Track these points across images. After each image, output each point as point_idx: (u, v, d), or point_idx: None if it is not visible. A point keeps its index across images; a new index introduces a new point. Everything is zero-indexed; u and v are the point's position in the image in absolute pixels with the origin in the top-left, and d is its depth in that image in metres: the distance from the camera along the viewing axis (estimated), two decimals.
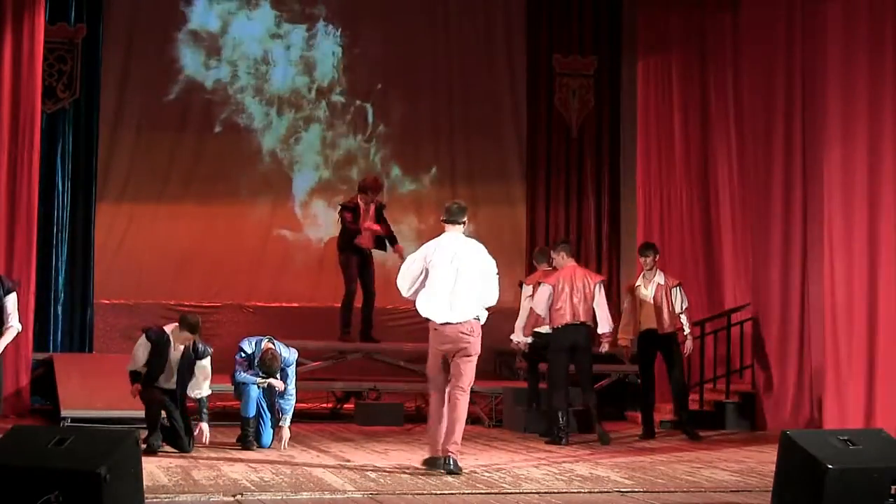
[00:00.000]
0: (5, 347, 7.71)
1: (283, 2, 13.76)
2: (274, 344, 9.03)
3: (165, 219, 13.19)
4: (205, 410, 8.63)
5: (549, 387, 9.89)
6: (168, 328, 8.60)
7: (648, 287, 10.33)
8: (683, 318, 10.35)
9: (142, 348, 8.57)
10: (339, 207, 11.90)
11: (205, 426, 8.59)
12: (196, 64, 13.46)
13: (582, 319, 9.69)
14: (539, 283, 10.03)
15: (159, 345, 8.52)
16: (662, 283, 10.32)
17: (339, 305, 11.76)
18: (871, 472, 6.00)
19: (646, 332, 10.31)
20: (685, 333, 10.40)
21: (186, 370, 8.56)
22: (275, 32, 13.74)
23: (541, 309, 9.83)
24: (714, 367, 11.40)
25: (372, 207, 11.66)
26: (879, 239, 9.46)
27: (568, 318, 9.64)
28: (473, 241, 8.02)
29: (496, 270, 7.93)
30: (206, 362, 8.62)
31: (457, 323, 7.79)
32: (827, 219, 9.95)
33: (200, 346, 8.57)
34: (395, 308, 12.84)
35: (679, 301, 10.32)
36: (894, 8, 9.46)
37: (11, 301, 7.71)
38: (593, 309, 9.77)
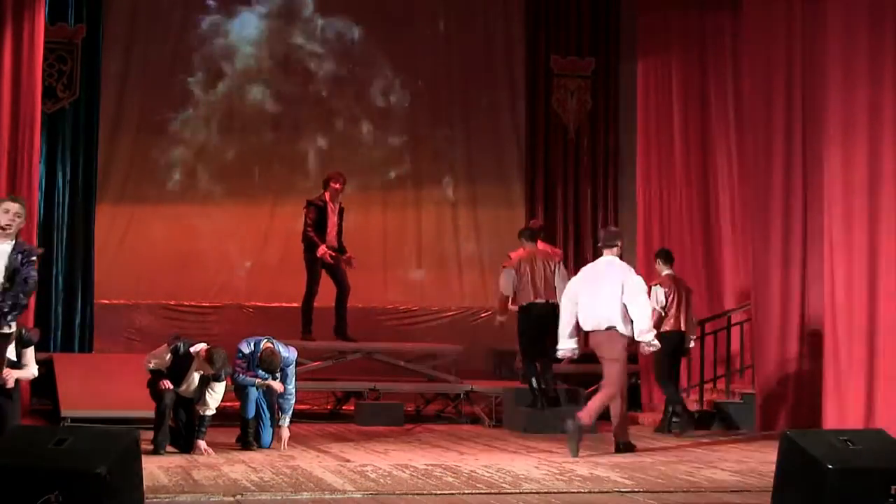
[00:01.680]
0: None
1: (283, 3, 13.79)
2: (273, 343, 9.03)
3: (165, 219, 13.20)
4: (203, 428, 8.64)
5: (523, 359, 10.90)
6: (195, 348, 8.62)
7: None
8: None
9: (165, 355, 8.63)
10: (306, 203, 11.74)
11: (202, 444, 8.60)
12: (196, 64, 13.46)
13: (545, 299, 10.51)
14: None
15: (179, 360, 8.59)
16: None
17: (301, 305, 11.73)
18: (871, 472, 5.99)
19: None
20: None
21: (202, 385, 8.63)
22: (274, 32, 13.74)
23: (504, 288, 10.82)
24: (714, 367, 11.40)
25: (336, 211, 11.63)
26: (879, 239, 9.46)
27: (532, 297, 10.53)
28: (618, 263, 9.11)
29: (639, 287, 8.99)
30: (220, 385, 8.65)
31: (591, 332, 9.18)
32: (827, 219, 9.94)
33: (221, 370, 8.61)
34: (394, 308, 12.85)
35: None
36: (894, 8, 9.45)
37: (30, 354, 7.92)
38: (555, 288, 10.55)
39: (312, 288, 11.60)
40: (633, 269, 9.21)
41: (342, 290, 11.62)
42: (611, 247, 9.14)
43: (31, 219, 10.72)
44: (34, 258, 7.25)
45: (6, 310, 7.02)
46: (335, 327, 11.64)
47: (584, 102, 14.33)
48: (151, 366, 8.64)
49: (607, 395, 8.93)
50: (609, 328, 8.91)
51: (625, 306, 8.85)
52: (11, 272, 7.04)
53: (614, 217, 14.26)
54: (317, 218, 11.52)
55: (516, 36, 14.35)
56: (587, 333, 9.80)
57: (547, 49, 14.26)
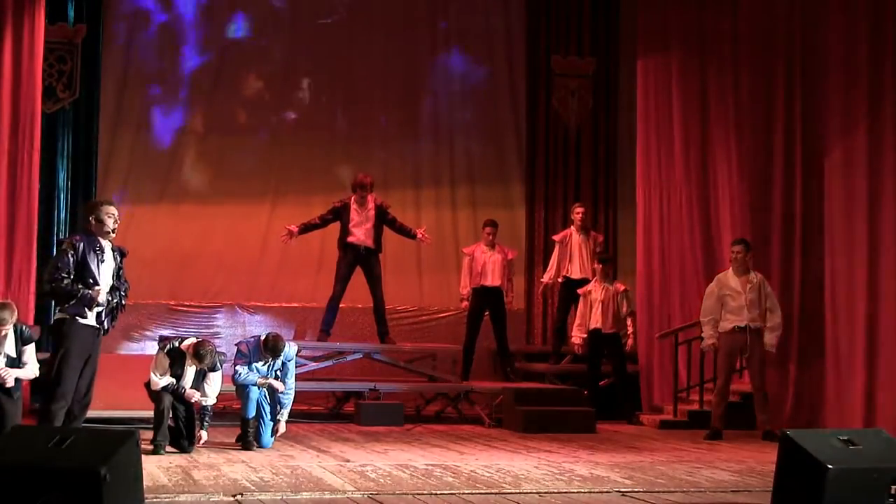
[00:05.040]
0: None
1: (283, 3, 13.79)
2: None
3: (165, 219, 13.18)
4: (207, 419, 8.76)
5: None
6: (184, 345, 8.68)
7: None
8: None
9: (164, 360, 8.66)
10: None
11: (203, 434, 8.71)
12: (195, 64, 13.46)
13: (496, 283, 12.07)
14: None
15: (175, 358, 8.64)
16: None
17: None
18: (871, 472, 6.00)
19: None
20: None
21: (198, 379, 8.72)
22: (274, 33, 13.74)
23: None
24: (714, 368, 11.39)
25: (370, 210, 11.61)
26: (879, 239, 9.47)
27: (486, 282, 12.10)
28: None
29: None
30: (216, 375, 8.80)
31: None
32: (827, 219, 9.95)
33: (212, 361, 8.74)
34: (392, 308, 12.82)
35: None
36: (894, 7, 9.46)
37: (30, 351, 7.99)
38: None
39: (334, 287, 11.65)
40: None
41: (373, 298, 11.69)
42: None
43: (31, 219, 10.72)
44: (125, 256, 7.80)
45: (114, 304, 7.63)
46: (377, 332, 11.81)
47: (585, 102, 14.33)
48: (162, 383, 8.60)
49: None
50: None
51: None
52: (117, 271, 7.64)
53: (614, 217, 14.25)
54: (331, 218, 11.64)
55: (517, 36, 14.34)
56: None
57: (547, 49, 14.26)
